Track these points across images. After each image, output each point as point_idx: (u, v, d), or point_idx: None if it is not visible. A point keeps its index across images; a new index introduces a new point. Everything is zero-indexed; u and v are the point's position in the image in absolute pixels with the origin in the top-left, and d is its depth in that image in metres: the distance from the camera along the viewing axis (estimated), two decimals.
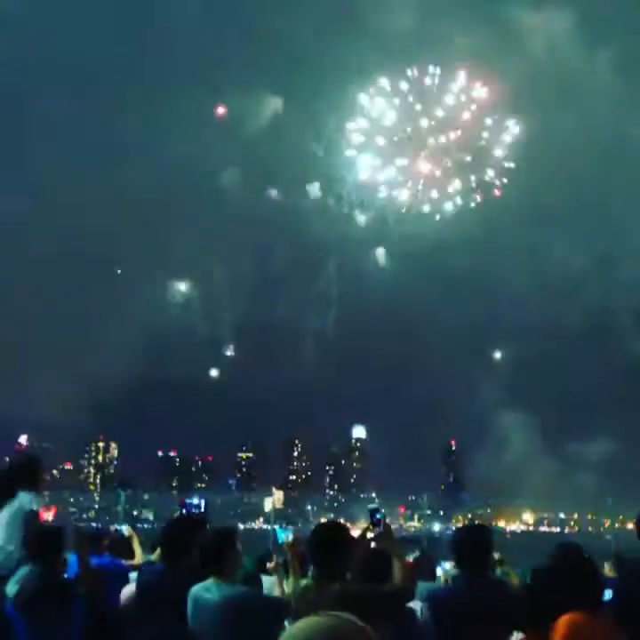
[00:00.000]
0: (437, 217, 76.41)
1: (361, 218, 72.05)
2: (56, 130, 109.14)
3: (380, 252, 71.11)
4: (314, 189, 70.47)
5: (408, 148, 74.99)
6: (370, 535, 5.65)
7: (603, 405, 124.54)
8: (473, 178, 74.80)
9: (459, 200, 76.68)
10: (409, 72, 78.14)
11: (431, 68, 78.19)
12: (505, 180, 75.27)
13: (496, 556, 7.83)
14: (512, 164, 75.61)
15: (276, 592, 6.66)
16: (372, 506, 5.65)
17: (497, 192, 75.93)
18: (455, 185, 76.03)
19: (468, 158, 74.52)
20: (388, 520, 5.77)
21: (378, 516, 5.56)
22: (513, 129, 77.54)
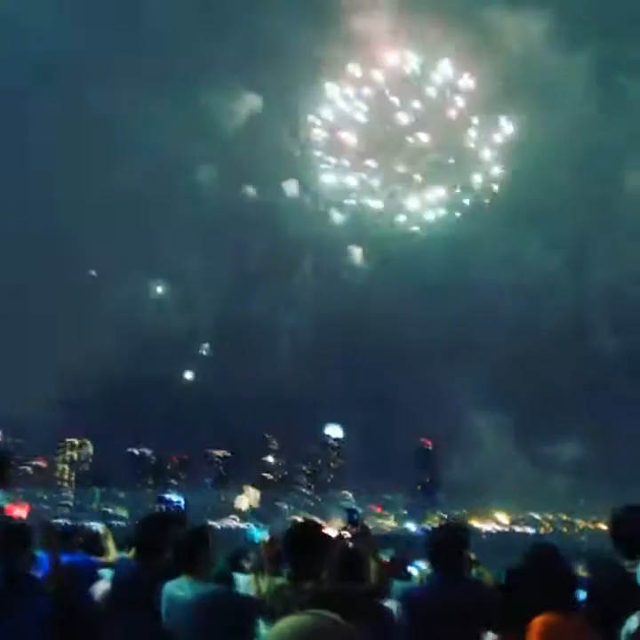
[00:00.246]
0: (417, 228, 73.65)
1: (337, 216, 70.69)
2: (35, 127, 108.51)
3: (357, 251, 69.90)
4: (290, 187, 69.14)
5: (383, 147, 71.47)
6: (347, 535, 5.63)
7: (575, 408, 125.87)
8: (458, 186, 71.20)
9: (440, 211, 73.37)
10: (387, 60, 72.01)
11: (411, 56, 71.74)
12: (494, 188, 71.90)
13: (471, 556, 7.84)
14: (502, 169, 71.55)
15: (252, 590, 6.63)
16: (349, 506, 5.61)
17: (486, 200, 72.31)
18: (437, 193, 72.42)
19: (451, 161, 71.25)
20: (364, 520, 5.75)
21: (355, 516, 5.53)
22: (504, 128, 72.70)
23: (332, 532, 6.07)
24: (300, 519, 6.06)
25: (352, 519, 5.55)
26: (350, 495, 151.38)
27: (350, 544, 5.84)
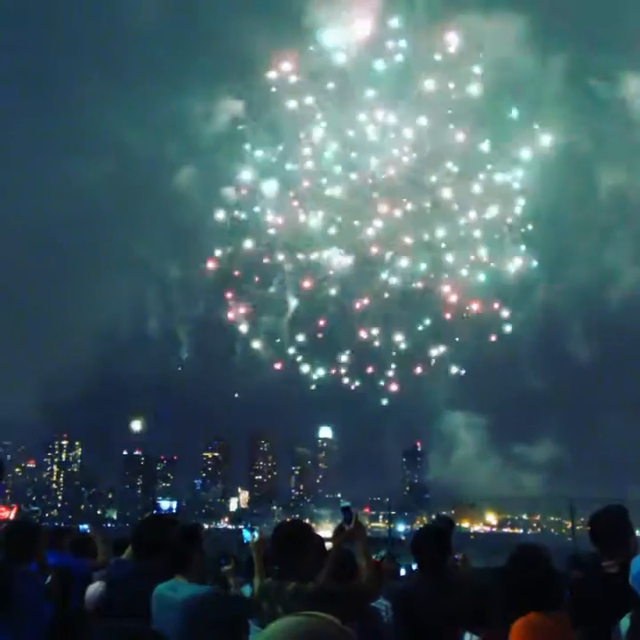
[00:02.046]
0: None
1: (316, 216, 69.27)
2: (14, 123, 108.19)
3: (333, 252, 68.01)
4: (270, 189, 67.42)
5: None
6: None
7: (551, 409, 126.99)
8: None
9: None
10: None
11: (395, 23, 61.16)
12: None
13: (460, 556, 7.92)
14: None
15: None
16: (344, 504, 5.63)
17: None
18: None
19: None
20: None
21: (349, 514, 5.53)
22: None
23: (325, 533, 6.12)
24: (287, 519, 6.07)
25: (348, 517, 5.55)
26: (340, 496, 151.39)
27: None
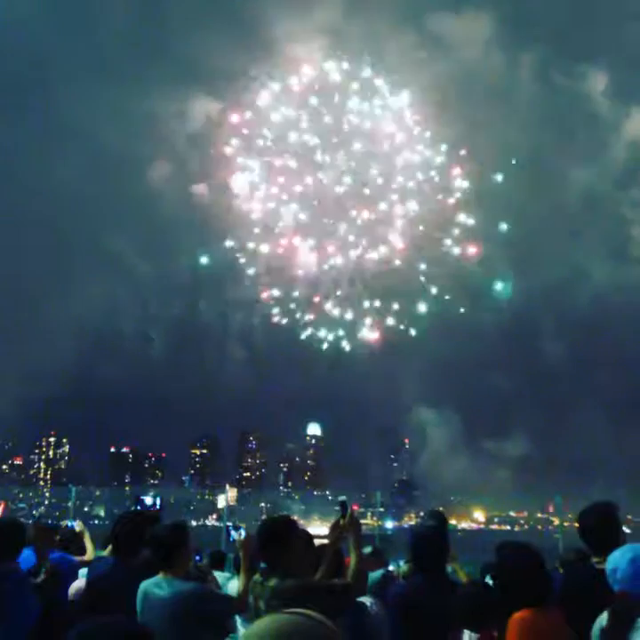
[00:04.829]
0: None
1: (286, 216, 68.56)
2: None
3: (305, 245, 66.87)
4: (240, 189, 66.73)
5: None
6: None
7: (522, 406, 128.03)
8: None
9: None
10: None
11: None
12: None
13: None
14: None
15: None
16: (341, 498, 5.58)
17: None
18: None
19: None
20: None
21: (345, 509, 5.49)
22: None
23: (314, 529, 6.11)
24: (274, 515, 6.03)
25: (344, 512, 5.50)
26: (328, 492, 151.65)
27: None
